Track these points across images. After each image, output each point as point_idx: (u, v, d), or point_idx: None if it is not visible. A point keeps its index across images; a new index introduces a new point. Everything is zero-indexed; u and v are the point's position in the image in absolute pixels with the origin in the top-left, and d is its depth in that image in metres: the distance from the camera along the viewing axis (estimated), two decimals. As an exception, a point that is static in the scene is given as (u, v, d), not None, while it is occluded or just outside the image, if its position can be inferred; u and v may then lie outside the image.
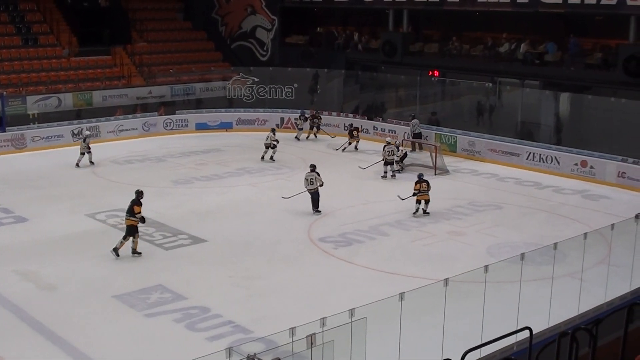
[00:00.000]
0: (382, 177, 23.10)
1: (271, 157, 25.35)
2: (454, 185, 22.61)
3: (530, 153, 24.70)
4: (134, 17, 34.19)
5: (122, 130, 28.90)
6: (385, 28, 32.10)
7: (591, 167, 23.10)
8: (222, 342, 11.41)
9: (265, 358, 8.26)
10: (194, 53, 34.32)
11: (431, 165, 24.25)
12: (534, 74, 27.19)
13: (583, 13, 25.70)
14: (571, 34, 26.48)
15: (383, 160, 23.22)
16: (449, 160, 24.91)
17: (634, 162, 22.38)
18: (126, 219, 15.93)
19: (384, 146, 23.39)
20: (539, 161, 24.40)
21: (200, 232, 17.61)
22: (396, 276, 14.76)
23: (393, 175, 23.05)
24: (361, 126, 28.94)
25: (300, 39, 35.79)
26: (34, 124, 27.56)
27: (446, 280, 9.96)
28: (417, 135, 27.13)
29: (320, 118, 29.69)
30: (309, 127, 29.52)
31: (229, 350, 7.82)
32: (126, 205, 16.17)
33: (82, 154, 24.22)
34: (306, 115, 29.66)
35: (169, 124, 30.17)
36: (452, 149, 26.61)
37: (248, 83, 32.35)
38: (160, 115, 30.34)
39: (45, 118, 27.84)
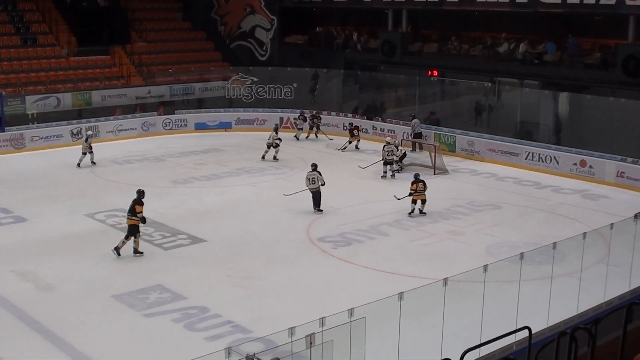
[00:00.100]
0: (381, 177, 23.11)
1: (274, 157, 25.34)
2: (453, 185, 22.62)
3: (529, 153, 24.71)
4: (133, 16, 34.19)
5: (121, 130, 28.89)
6: (384, 28, 32.10)
7: (590, 166, 23.11)
8: (221, 342, 11.40)
9: (264, 358, 8.26)
10: (193, 53, 34.32)
11: (430, 165, 24.26)
12: (533, 74, 27.21)
13: (582, 13, 25.72)
14: (570, 34, 26.50)
15: (382, 160, 23.23)
16: (448, 160, 24.92)
17: (633, 162, 22.40)
18: (128, 218, 15.93)
19: (384, 146, 23.39)
20: (538, 161, 24.41)
21: (200, 232, 17.61)
22: (395, 276, 14.77)
23: (393, 175, 23.06)
24: (360, 126, 28.95)
25: (300, 39, 35.80)
26: (33, 123, 27.54)
27: (445, 280, 9.96)
28: (418, 135, 27.13)
29: (320, 118, 29.69)
30: (308, 127, 29.51)
31: (228, 350, 7.82)
32: (125, 205, 16.18)
33: (84, 153, 24.19)
34: (305, 115, 29.66)
35: (168, 124, 30.16)
36: (451, 149, 26.62)
37: (247, 83, 32.35)
38: (160, 115, 30.33)
39: (44, 118, 27.83)
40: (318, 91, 33.08)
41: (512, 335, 8.80)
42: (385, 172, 23.14)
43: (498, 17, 28.72)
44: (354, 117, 30.33)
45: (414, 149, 27.15)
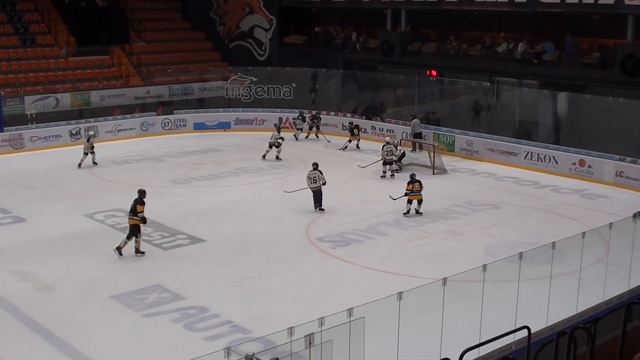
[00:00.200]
0: (381, 176, 23.11)
1: (277, 157, 25.34)
2: (452, 185, 22.62)
3: (528, 152, 24.71)
4: (132, 16, 34.18)
5: (120, 130, 28.88)
6: (383, 28, 32.11)
7: (589, 166, 23.11)
8: (221, 342, 11.40)
9: (263, 358, 8.26)
10: (192, 53, 34.32)
11: (429, 164, 24.27)
12: (532, 74, 27.22)
13: (581, 12, 25.74)
14: (568, 34, 26.51)
15: (382, 160, 23.23)
16: (447, 160, 24.92)
17: (632, 162, 22.41)
18: (129, 218, 15.93)
19: (383, 146, 23.40)
20: (537, 160, 24.41)
21: (199, 232, 17.60)
22: (394, 276, 14.77)
23: (392, 175, 23.06)
24: (360, 125, 28.90)
25: (298, 39, 35.81)
26: (31, 124, 27.51)
27: (444, 280, 9.96)
28: (418, 135, 27.12)
29: (320, 118, 29.69)
30: (308, 127, 29.52)
31: (228, 350, 7.82)
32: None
33: (86, 154, 24.16)
34: (304, 116, 29.66)
35: (167, 124, 30.15)
36: (450, 149, 26.62)
37: (246, 83, 32.33)
38: (159, 115, 30.32)
39: (43, 118, 27.81)
40: (317, 91, 33.06)
41: (511, 335, 8.81)
42: (384, 172, 23.14)
43: (497, 17, 28.74)
44: (352, 117, 30.33)
45: (414, 149, 27.14)
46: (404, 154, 24.56)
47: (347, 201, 20.29)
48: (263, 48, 35.34)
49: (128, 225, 15.99)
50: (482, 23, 30.06)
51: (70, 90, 29.00)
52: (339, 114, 30.89)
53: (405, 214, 18.93)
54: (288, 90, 32.10)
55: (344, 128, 29.43)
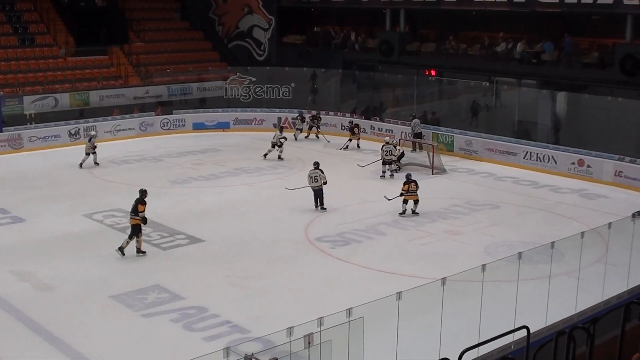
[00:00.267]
0: (380, 176, 23.11)
1: (279, 156, 25.36)
2: (451, 185, 22.62)
3: (527, 152, 24.72)
4: (131, 16, 34.18)
5: (119, 130, 28.87)
6: (382, 28, 32.11)
7: (588, 166, 23.12)
8: (220, 342, 11.40)
9: (262, 358, 8.27)
10: (191, 53, 34.32)
11: (428, 164, 24.27)
12: (531, 73, 27.24)
13: (580, 12, 25.77)
14: (567, 34, 26.52)
15: (381, 159, 23.24)
16: (446, 160, 24.93)
17: (631, 161, 22.41)
18: (131, 218, 15.94)
19: (382, 146, 23.41)
20: (536, 160, 24.42)
21: (198, 232, 17.60)
22: (394, 275, 14.77)
23: (391, 175, 23.06)
24: (360, 124, 28.90)
25: (297, 39, 35.81)
26: (30, 124, 27.50)
27: (443, 280, 9.96)
28: (418, 135, 27.11)
29: (320, 119, 29.68)
30: (307, 127, 29.51)
31: (227, 350, 7.82)
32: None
33: (88, 154, 24.16)
34: (304, 116, 29.65)
35: (166, 124, 30.15)
36: (449, 149, 26.63)
37: (245, 83, 32.33)
38: (158, 115, 30.31)
39: (42, 118, 27.81)
40: (318, 91, 33.05)
41: (511, 335, 8.80)
42: (384, 171, 23.15)
43: (496, 17, 28.75)
44: (352, 117, 30.33)
45: (414, 149, 27.11)
46: (403, 154, 24.56)
47: (346, 201, 20.29)
48: (262, 48, 35.34)
49: (130, 225, 16.01)
50: (481, 23, 30.07)
51: (69, 90, 29.00)
52: (338, 113, 30.89)
53: (401, 214, 18.93)
54: (287, 90, 32.09)
55: (343, 128, 29.43)
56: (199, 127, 30.55)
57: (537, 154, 24.43)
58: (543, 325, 10.50)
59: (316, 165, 19.70)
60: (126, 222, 17.59)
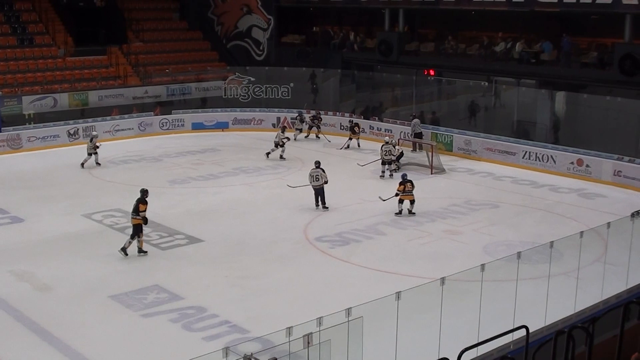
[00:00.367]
0: (380, 176, 23.11)
1: (280, 156, 25.36)
2: (451, 185, 22.62)
3: (526, 152, 24.73)
4: (130, 16, 34.17)
5: (118, 130, 28.86)
6: (381, 27, 32.11)
7: (587, 165, 23.13)
8: (219, 342, 11.40)
9: (262, 358, 8.26)
10: (190, 53, 34.32)
11: (427, 164, 24.27)
12: (530, 73, 27.24)
13: (578, 12, 25.78)
14: (566, 33, 26.53)
15: (380, 159, 23.25)
16: (445, 160, 24.93)
17: (629, 161, 22.43)
18: (132, 217, 15.95)
19: (382, 146, 23.41)
20: (535, 160, 24.43)
21: (197, 231, 17.60)
22: (393, 275, 14.77)
23: (391, 175, 23.05)
24: (360, 124, 28.91)
25: (296, 39, 35.80)
26: (29, 124, 27.49)
27: (442, 279, 9.96)
28: (418, 135, 27.10)
29: (321, 119, 29.67)
30: (307, 127, 29.51)
31: (226, 350, 7.82)
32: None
33: (90, 154, 24.15)
34: (304, 116, 29.65)
35: (165, 124, 30.14)
36: (448, 148, 26.63)
37: (244, 83, 32.33)
38: (157, 115, 30.30)
39: (41, 118, 27.80)
40: (319, 91, 33.04)
41: (510, 335, 8.80)
42: (383, 171, 23.15)
43: (495, 17, 28.76)
44: (350, 116, 30.32)
45: (414, 149, 27.08)
46: (402, 154, 24.56)
47: (345, 201, 20.29)
48: (261, 48, 35.33)
49: (131, 224, 16.02)
50: (479, 23, 30.09)
51: (68, 90, 28.99)
52: (337, 113, 30.89)
53: (397, 213, 18.93)
54: (286, 90, 32.09)
55: (342, 128, 29.42)
56: (198, 127, 30.54)
57: (536, 153, 24.44)
58: (542, 324, 10.49)
59: (317, 164, 19.72)
60: (125, 222, 17.64)
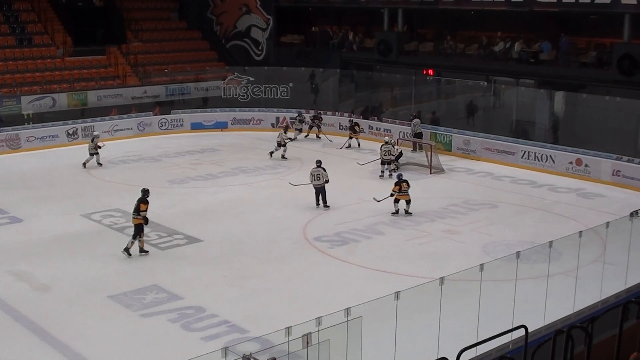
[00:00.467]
0: (379, 176, 23.12)
1: (282, 156, 25.38)
2: (449, 184, 22.63)
3: (525, 152, 24.73)
4: (129, 16, 34.15)
5: (117, 130, 28.85)
6: (380, 27, 32.12)
7: (586, 165, 23.14)
8: (218, 342, 11.40)
9: (261, 358, 8.26)
10: (189, 53, 34.31)
11: (426, 164, 24.27)
12: (529, 73, 27.25)
13: (577, 12, 25.77)
14: (564, 33, 26.54)
15: (380, 159, 23.25)
16: (444, 159, 24.93)
17: (628, 160, 22.45)
18: (133, 217, 15.95)
19: (381, 146, 23.41)
20: (534, 160, 24.44)
21: (196, 231, 17.59)
22: (392, 275, 14.77)
23: (390, 175, 23.05)
24: (359, 123, 28.91)
25: (295, 39, 35.79)
26: (28, 124, 27.48)
27: (441, 279, 9.96)
28: (418, 135, 27.09)
29: (322, 119, 29.66)
30: (307, 127, 29.50)
31: (225, 350, 7.82)
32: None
33: (92, 154, 24.14)
34: (304, 116, 29.63)
35: (164, 124, 30.13)
36: (447, 148, 26.63)
37: (243, 82, 32.32)
38: (155, 115, 30.29)
39: (40, 118, 27.78)
40: (319, 91, 33.03)
41: (509, 334, 8.81)
42: (382, 171, 23.16)
43: (493, 16, 28.77)
44: (350, 116, 30.31)
45: (414, 149, 27.06)
46: (401, 154, 24.56)
47: (344, 200, 20.28)
48: (260, 48, 35.32)
49: (132, 224, 16.01)
50: (478, 22, 30.09)
51: (67, 90, 28.96)
52: (336, 113, 30.88)
53: (393, 213, 18.93)
54: (285, 90, 32.08)
55: (342, 128, 29.42)
56: (197, 127, 30.53)
57: (535, 153, 24.44)
58: (541, 324, 10.51)
59: (318, 163, 19.75)
60: (124, 222, 17.67)
